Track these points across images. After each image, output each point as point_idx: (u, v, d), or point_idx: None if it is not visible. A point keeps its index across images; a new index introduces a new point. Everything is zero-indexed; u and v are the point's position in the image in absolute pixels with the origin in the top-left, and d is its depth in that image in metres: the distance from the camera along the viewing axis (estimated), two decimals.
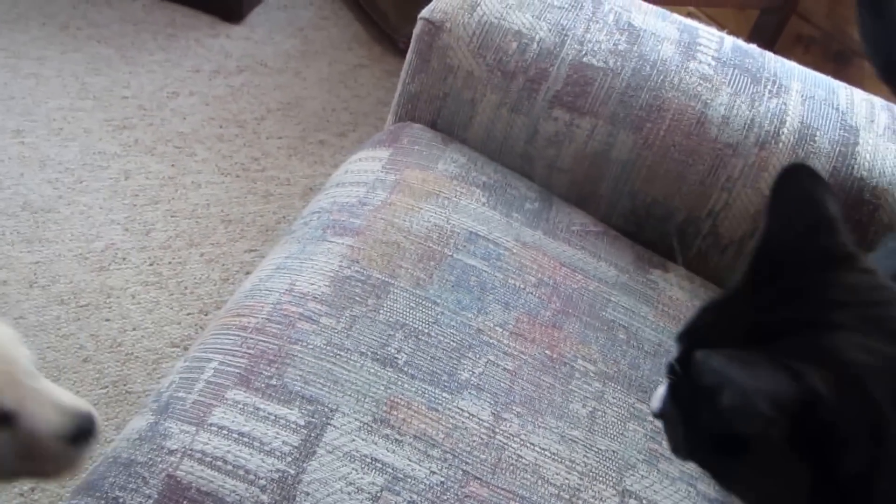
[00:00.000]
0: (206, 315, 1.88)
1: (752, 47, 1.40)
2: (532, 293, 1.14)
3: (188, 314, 1.88)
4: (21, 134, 2.21)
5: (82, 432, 0.95)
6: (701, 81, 1.31)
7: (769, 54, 1.39)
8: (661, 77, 1.30)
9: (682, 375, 0.74)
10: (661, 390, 0.81)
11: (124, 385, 1.69)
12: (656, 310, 1.20)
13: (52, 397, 0.95)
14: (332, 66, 2.71)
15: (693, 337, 0.78)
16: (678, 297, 1.24)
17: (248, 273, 1.87)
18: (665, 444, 0.99)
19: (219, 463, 0.90)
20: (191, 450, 0.91)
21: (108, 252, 1.96)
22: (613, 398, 1.07)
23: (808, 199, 0.76)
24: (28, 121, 2.25)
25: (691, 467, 1.02)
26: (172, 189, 2.17)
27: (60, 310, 1.80)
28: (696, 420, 0.74)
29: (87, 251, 1.95)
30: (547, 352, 1.08)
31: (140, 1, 2.72)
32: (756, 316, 0.73)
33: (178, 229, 2.07)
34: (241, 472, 0.89)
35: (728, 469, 0.74)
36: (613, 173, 1.31)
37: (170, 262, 1.99)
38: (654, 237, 1.34)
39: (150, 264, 1.97)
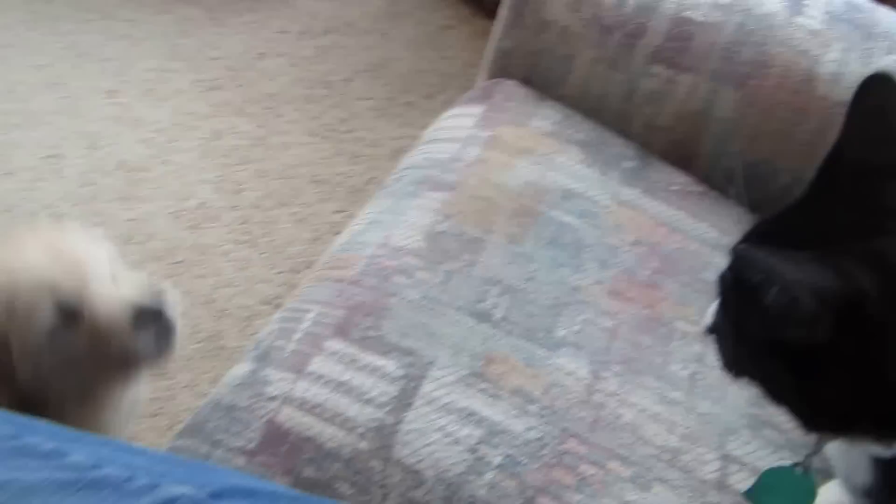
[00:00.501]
0: (296, 274, 1.89)
1: (864, 1, 1.35)
2: (630, 252, 1.12)
3: (279, 273, 1.89)
4: (115, 94, 2.24)
5: (147, 317, 0.95)
6: (809, 37, 1.26)
7: (882, 9, 1.34)
8: (767, 32, 1.26)
9: (731, 282, 0.72)
10: (712, 307, 0.79)
11: (218, 340, 1.71)
12: None
13: (119, 293, 0.96)
14: (419, 28, 2.69)
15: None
16: None
17: (337, 233, 1.88)
18: (769, 409, 0.97)
19: (318, 410, 0.90)
20: (291, 397, 0.91)
21: (201, 211, 1.98)
22: (714, 361, 1.04)
23: (882, 109, 0.73)
24: (121, 81, 2.29)
25: (798, 435, 0.99)
26: (262, 149, 2.18)
27: (155, 266, 1.83)
28: (743, 327, 0.72)
29: (181, 209, 1.97)
30: (645, 311, 1.06)
31: None
32: (811, 224, 0.71)
33: (268, 189, 2.08)
34: (339, 420, 0.89)
35: (776, 378, 0.71)
36: (715, 132, 1.28)
37: (260, 222, 2.00)
38: (757, 198, 1.28)
39: (242, 223, 1.98)
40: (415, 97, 2.43)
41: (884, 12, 1.33)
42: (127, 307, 0.94)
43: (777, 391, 0.73)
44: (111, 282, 0.97)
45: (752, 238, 0.74)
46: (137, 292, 0.96)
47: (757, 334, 0.69)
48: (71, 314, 0.92)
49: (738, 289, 0.70)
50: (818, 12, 1.29)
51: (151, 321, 0.96)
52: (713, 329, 0.79)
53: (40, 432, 0.73)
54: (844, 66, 1.25)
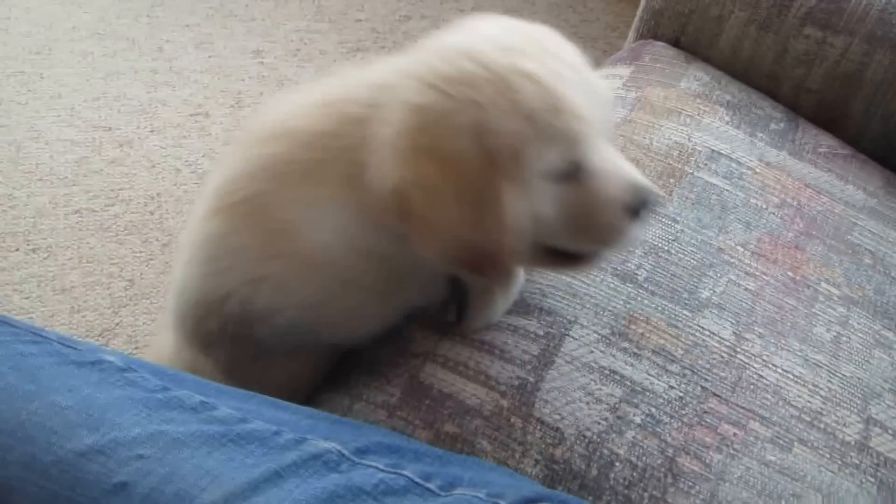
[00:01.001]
0: None
1: None
2: (774, 213, 1.11)
3: None
4: (261, 54, 2.30)
5: (641, 204, 0.85)
6: None
7: None
8: None
9: None
10: None
11: None
12: None
13: (619, 164, 0.86)
14: None
15: None
16: None
17: None
18: None
19: (460, 368, 0.93)
20: (434, 354, 0.94)
21: None
22: (858, 324, 1.03)
23: None
24: (268, 41, 2.35)
25: None
26: None
27: None
28: None
29: None
30: (789, 273, 1.06)
31: None
32: None
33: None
34: (481, 378, 0.92)
35: None
36: (866, 94, 1.25)
37: None
38: None
39: None
40: None
41: None
42: (627, 184, 0.85)
43: None
44: (609, 149, 0.87)
45: None
46: (636, 176, 0.86)
47: None
48: (574, 170, 0.82)
49: None
50: None
51: (640, 209, 0.86)
52: None
53: (188, 386, 0.76)
54: None
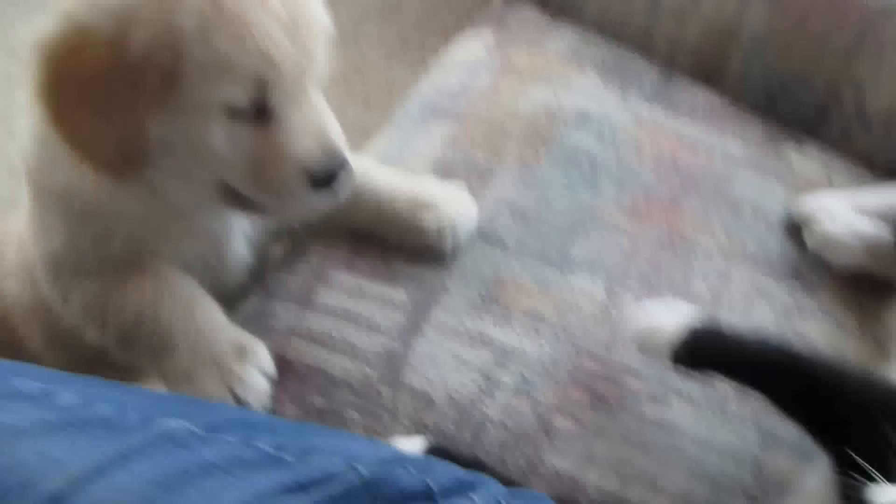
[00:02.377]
0: None
1: None
2: (649, 172, 1.26)
3: None
4: None
5: (326, 174, 0.91)
6: None
7: None
8: None
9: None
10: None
11: None
12: (788, 188, 1.29)
13: (321, 122, 0.91)
14: None
15: None
16: (814, 175, 1.32)
17: None
18: (796, 322, 1.11)
19: (325, 340, 1.05)
20: (297, 328, 1.07)
21: None
22: (739, 276, 1.17)
23: None
24: None
25: (828, 346, 1.12)
26: None
27: None
28: None
29: None
30: (665, 230, 1.20)
31: None
32: None
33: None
34: (347, 349, 1.05)
35: None
36: (744, 45, 1.40)
37: None
38: (788, 114, 1.41)
39: None
40: (429, 38, 2.55)
41: None
42: (318, 148, 0.90)
43: None
44: (316, 102, 0.93)
45: None
46: (335, 141, 0.92)
47: None
48: (259, 112, 0.87)
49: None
50: None
51: (325, 180, 0.91)
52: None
53: (27, 374, 0.82)
54: None
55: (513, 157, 1.23)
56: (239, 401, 0.97)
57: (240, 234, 1.09)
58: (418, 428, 1.00)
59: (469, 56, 1.40)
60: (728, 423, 1.05)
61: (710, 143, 1.32)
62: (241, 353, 0.99)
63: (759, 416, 1.05)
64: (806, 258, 1.20)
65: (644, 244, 1.18)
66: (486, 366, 1.04)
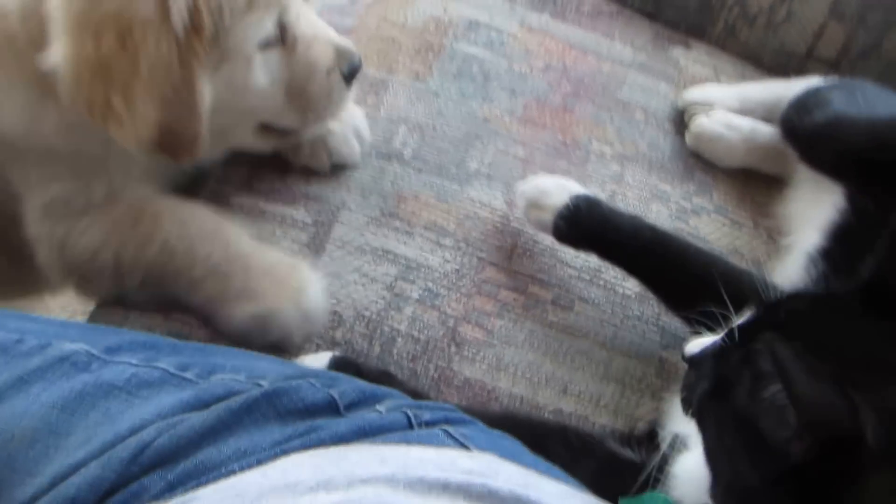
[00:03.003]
0: None
1: None
2: (540, 78, 1.25)
3: None
4: None
5: (351, 68, 0.99)
6: None
7: None
8: None
9: (738, 343, 0.79)
10: (704, 340, 0.85)
11: None
12: (678, 88, 1.30)
13: (322, 28, 0.97)
14: None
15: (771, 314, 0.82)
16: (703, 75, 1.33)
17: None
18: (692, 222, 1.12)
19: None
20: None
21: None
22: (633, 180, 1.18)
23: None
24: None
25: (724, 245, 1.14)
26: None
27: None
28: (727, 389, 0.78)
29: None
30: (559, 136, 1.20)
31: None
32: (849, 335, 0.77)
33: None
34: None
35: (726, 447, 0.77)
36: None
37: None
38: (674, 14, 1.43)
39: None
40: None
41: None
42: (333, 49, 0.98)
43: (716, 455, 0.79)
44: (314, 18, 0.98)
45: (777, 311, 0.82)
46: (339, 37, 0.99)
47: (735, 406, 0.76)
48: (283, 34, 0.93)
49: (742, 359, 0.77)
50: None
51: (349, 73, 0.99)
52: (692, 362, 0.86)
53: None
54: None
55: (405, 71, 1.22)
56: (304, 312, 0.97)
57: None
58: (328, 345, 0.99)
59: None
60: (631, 325, 1.06)
61: (599, 47, 1.32)
62: (293, 266, 1.00)
63: (661, 317, 1.06)
64: (697, 159, 1.21)
65: (539, 151, 1.18)
66: (392, 280, 1.04)
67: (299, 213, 1.07)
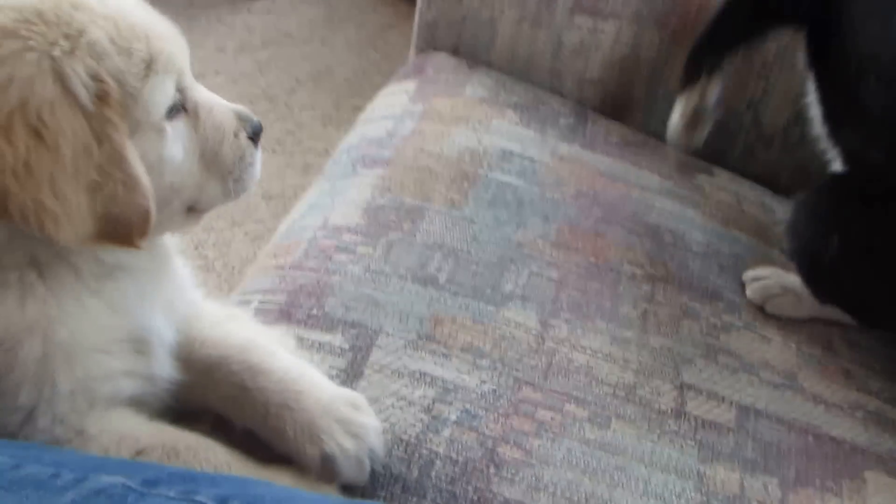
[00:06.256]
0: None
1: None
2: (571, 204, 1.17)
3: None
4: None
5: (253, 128, 0.87)
6: None
7: None
8: None
9: None
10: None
11: None
12: (703, 213, 1.22)
13: (213, 96, 0.85)
14: (360, 30, 2.74)
15: None
16: (726, 200, 1.26)
17: None
18: (722, 338, 1.02)
19: None
20: None
21: None
22: (664, 298, 1.09)
23: None
24: None
25: (756, 359, 1.04)
26: None
27: None
28: None
29: None
30: (591, 259, 1.11)
31: None
32: None
33: (219, 210, 2.11)
34: None
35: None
36: (645, 76, 1.34)
37: (214, 244, 2.04)
38: None
39: (195, 248, 2.01)
40: (361, 100, 2.46)
41: None
42: (233, 112, 0.86)
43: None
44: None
45: None
46: (239, 107, 0.87)
47: None
48: (183, 101, 0.81)
49: None
50: None
51: (253, 134, 0.87)
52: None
53: None
54: None
55: (441, 199, 1.13)
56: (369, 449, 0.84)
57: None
58: None
59: (393, 105, 1.32)
60: (668, 440, 0.95)
61: (628, 175, 1.24)
62: (354, 404, 0.86)
63: (698, 431, 0.95)
64: (724, 278, 1.13)
65: (572, 273, 1.08)
66: (430, 403, 0.93)
67: (337, 340, 0.97)
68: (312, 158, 2.29)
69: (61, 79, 0.68)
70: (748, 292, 1.12)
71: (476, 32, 1.37)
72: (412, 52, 1.46)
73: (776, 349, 1.07)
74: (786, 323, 1.11)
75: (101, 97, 0.70)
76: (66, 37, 0.70)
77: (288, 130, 2.36)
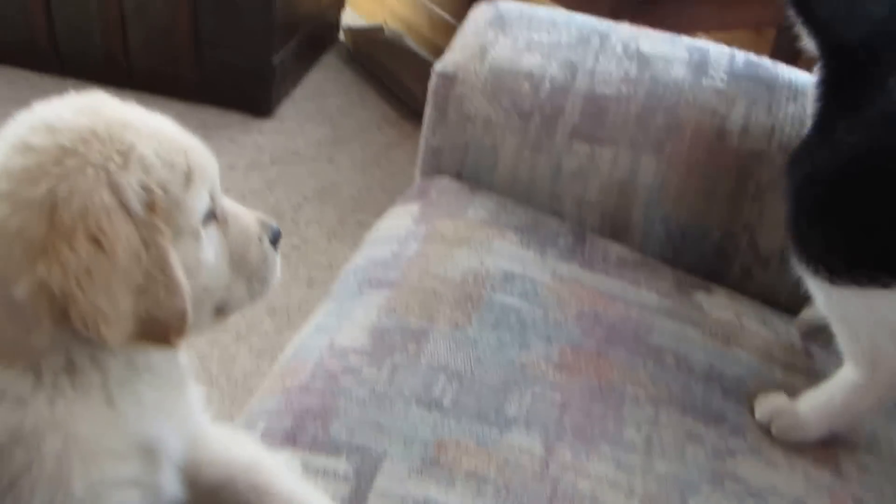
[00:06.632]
0: None
1: (764, 59, 1.42)
2: (573, 325, 1.16)
3: (241, 408, 1.91)
4: None
5: (273, 234, 0.93)
6: (715, 96, 1.34)
7: (782, 65, 1.42)
8: (676, 97, 1.34)
9: None
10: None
11: None
12: (704, 332, 1.21)
13: (236, 204, 0.90)
14: (365, 149, 2.78)
15: None
16: (726, 318, 1.25)
17: None
18: (728, 462, 1.01)
19: None
20: None
21: None
22: (668, 421, 1.07)
23: None
24: None
25: (763, 485, 1.02)
26: None
27: None
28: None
29: None
30: (595, 381, 1.10)
31: (173, 107, 2.82)
32: None
33: (222, 324, 2.11)
34: None
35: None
36: (642, 199, 1.34)
37: (219, 359, 2.03)
38: (692, 260, 1.36)
39: (199, 361, 2.00)
40: (365, 216, 2.49)
41: (783, 67, 1.41)
42: (256, 219, 0.91)
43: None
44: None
45: None
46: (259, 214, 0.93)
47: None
48: (214, 208, 0.84)
49: None
50: (721, 73, 1.37)
51: (273, 239, 0.93)
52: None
53: None
54: (749, 118, 1.33)
55: (445, 320, 1.13)
56: None
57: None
58: None
59: (397, 227, 1.32)
60: None
61: (626, 294, 1.24)
62: None
63: None
64: (728, 401, 1.11)
65: (575, 396, 1.07)
66: None
67: (341, 465, 0.96)
68: (317, 272, 2.30)
69: (117, 190, 0.73)
70: (757, 415, 1.11)
71: (479, 158, 1.39)
72: (417, 175, 1.48)
73: (783, 475, 1.05)
74: (792, 445, 1.09)
75: (150, 206, 0.75)
76: (119, 153, 0.75)
77: (293, 245, 2.37)
